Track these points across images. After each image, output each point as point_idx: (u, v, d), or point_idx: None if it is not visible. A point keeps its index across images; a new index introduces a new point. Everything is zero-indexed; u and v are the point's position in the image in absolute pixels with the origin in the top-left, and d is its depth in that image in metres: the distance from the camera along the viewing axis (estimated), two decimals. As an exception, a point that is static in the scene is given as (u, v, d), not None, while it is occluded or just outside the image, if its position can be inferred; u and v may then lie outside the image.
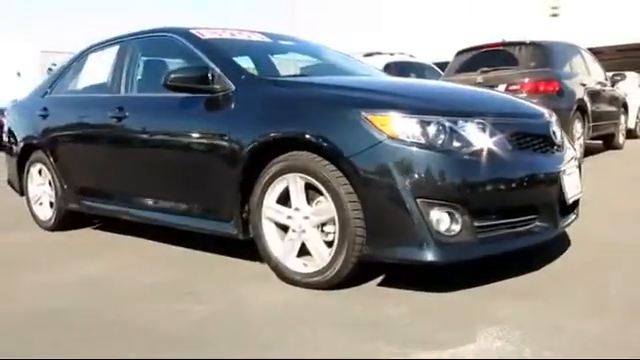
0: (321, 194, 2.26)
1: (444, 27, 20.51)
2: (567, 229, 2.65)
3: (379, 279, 2.38)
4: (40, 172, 3.93)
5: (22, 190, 4.16)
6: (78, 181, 3.59)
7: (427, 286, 2.25)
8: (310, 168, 2.25)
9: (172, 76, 2.63)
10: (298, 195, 2.33)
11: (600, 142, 7.89)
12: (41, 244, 3.60)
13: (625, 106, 8.35)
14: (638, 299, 2.10)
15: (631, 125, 9.31)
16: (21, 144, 4.02)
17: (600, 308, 2.01)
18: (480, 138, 2.15)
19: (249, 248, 2.71)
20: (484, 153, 2.13)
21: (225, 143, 2.53)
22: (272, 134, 2.37)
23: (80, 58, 3.82)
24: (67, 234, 3.80)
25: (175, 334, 1.96)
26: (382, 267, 2.41)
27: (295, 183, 2.32)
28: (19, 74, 31.65)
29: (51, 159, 3.70)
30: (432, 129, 2.10)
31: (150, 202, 3.02)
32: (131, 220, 3.28)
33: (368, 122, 2.11)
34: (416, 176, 2.04)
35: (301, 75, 2.84)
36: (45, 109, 3.78)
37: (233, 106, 2.56)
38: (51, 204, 3.89)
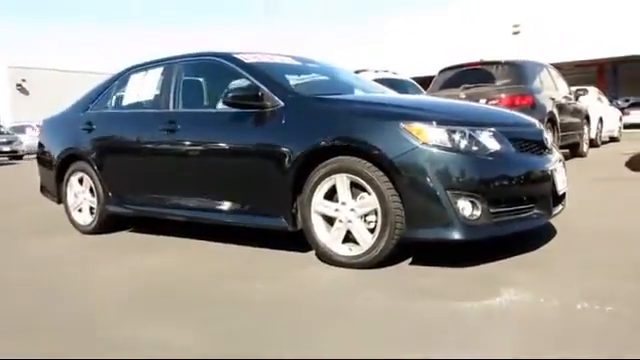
0: (364, 190, 2.79)
1: (419, 46, 21.56)
2: (552, 219, 3.24)
3: (409, 260, 2.92)
4: (81, 181, 4.31)
5: (60, 198, 4.52)
6: (125, 187, 3.99)
7: (447, 264, 2.78)
8: (356, 169, 2.77)
9: (230, 95, 3.13)
10: (345, 191, 2.84)
11: (567, 151, 8.70)
12: (88, 245, 3.96)
13: (588, 118, 9.24)
14: (623, 266, 2.68)
15: (592, 135, 10.22)
16: (61, 155, 4.39)
17: (593, 272, 2.60)
18: (492, 143, 2.73)
19: (285, 241, 3.20)
20: (496, 155, 2.71)
21: (278, 150, 3.02)
22: (322, 142, 2.88)
23: (121, 77, 4.25)
24: (105, 237, 4.16)
25: (263, 302, 2.43)
26: (409, 251, 2.94)
27: (342, 181, 2.84)
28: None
29: (95, 168, 4.10)
30: (457, 136, 2.66)
31: (205, 204, 3.44)
32: (183, 221, 3.71)
33: (406, 131, 2.67)
34: (445, 173, 2.60)
35: (338, 93, 3.37)
36: (89, 123, 4.18)
37: (284, 120, 3.06)
38: (91, 210, 4.27)
